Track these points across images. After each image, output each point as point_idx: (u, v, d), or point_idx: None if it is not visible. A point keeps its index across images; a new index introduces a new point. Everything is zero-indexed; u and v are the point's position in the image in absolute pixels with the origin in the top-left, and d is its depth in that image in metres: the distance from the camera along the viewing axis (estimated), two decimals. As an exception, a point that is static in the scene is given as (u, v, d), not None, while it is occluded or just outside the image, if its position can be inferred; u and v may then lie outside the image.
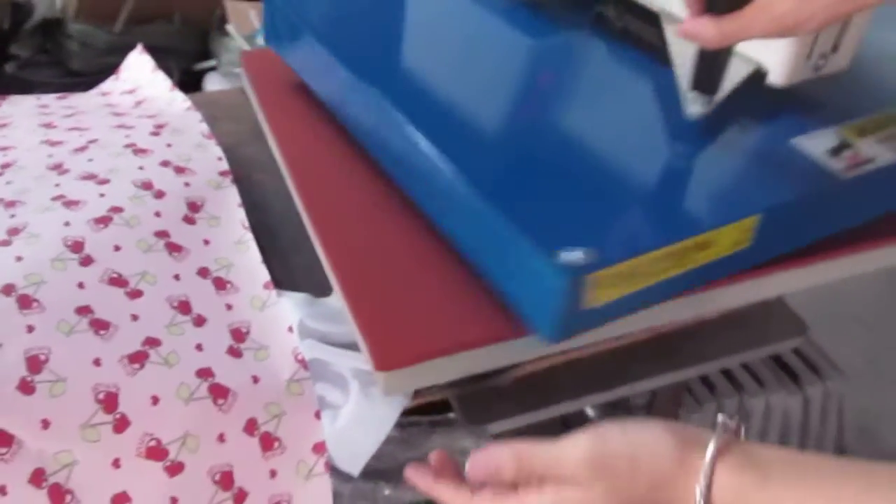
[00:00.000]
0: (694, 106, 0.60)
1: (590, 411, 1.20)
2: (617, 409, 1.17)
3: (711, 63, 0.58)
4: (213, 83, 1.75)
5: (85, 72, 1.72)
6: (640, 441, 0.43)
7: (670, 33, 0.66)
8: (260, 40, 1.77)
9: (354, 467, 0.58)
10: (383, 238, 0.62)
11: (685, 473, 0.42)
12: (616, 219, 0.52)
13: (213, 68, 1.85)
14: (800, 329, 0.71)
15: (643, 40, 0.70)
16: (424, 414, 0.79)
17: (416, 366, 0.52)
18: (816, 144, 0.59)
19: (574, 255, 0.47)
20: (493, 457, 0.46)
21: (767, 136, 0.61)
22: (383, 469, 0.70)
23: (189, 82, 1.77)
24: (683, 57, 0.61)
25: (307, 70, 0.74)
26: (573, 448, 0.44)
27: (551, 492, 0.44)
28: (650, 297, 0.53)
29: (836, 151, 0.58)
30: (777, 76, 0.64)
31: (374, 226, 0.63)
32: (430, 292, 0.58)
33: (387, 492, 0.68)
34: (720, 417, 0.44)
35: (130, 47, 0.95)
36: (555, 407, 0.66)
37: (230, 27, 1.79)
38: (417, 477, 0.50)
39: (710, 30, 0.52)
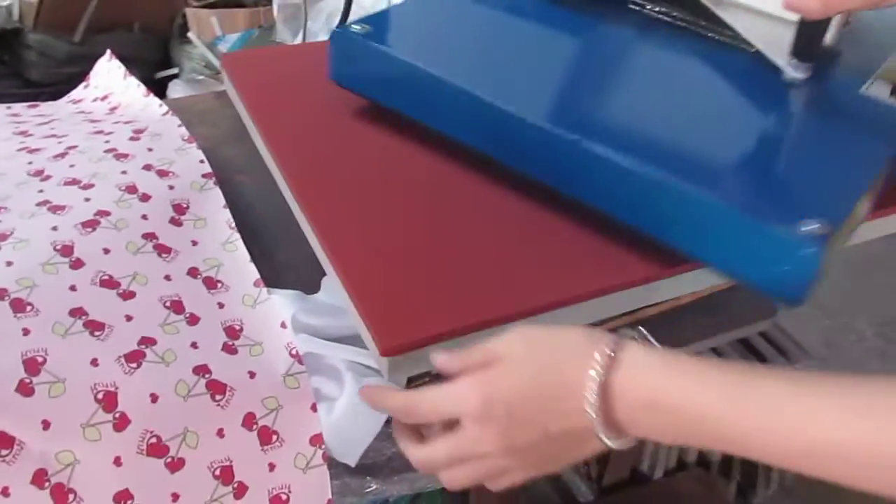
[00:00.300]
0: (795, 72, 0.69)
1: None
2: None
3: (812, 33, 0.66)
4: (176, 91, 1.75)
5: (44, 82, 1.71)
6: (559, 329, 0.49)
7: (730, 17, 0.73)
8: (222, 46, 1.77)
9: (351, 458, 0.59)
10: (380, 225, 0.64)
11: (594, 343, 0.47)
12: (810, 185, 0.58)
13: (175, 76, 1.85)
14: (769, 312, 0.73)
15: (680, 23, 0.77)
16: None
17: (420, 350, 0.53)
18: (878, 92, 0.69)
19: (811, 225, 0.53)
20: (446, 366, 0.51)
21: (844, 91, 0.70)
22: (370, 464, 0.70)
23: (151, 91, 1.76)
24: (756, 35, 0.70)
25: (398, 96, 0.73)
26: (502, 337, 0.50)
27: (481, 373, 0.49)
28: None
29: (894, 92, 0.70)
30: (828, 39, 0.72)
31: (370, 214, 0.65)
32: (430, 277, 0.59)
33: (374, 486, 0.69)
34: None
35: (90, 57, 0.95)
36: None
37: (191, 35, 1.79)
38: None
39: (814, 2, 0.58)
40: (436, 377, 0.56)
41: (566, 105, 0.66)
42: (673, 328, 0.71)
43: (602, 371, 0.45)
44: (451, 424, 0.50)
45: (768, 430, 0.42)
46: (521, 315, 0.57)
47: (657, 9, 0.78)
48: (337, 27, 0.74)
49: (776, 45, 0.69)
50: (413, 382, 0.60)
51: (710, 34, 0.75)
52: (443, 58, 0.69)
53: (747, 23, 0.71)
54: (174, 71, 1.86)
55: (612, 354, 0.46)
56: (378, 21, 0.74)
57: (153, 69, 1.87)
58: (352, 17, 1.48)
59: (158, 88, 1.79)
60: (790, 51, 0.68)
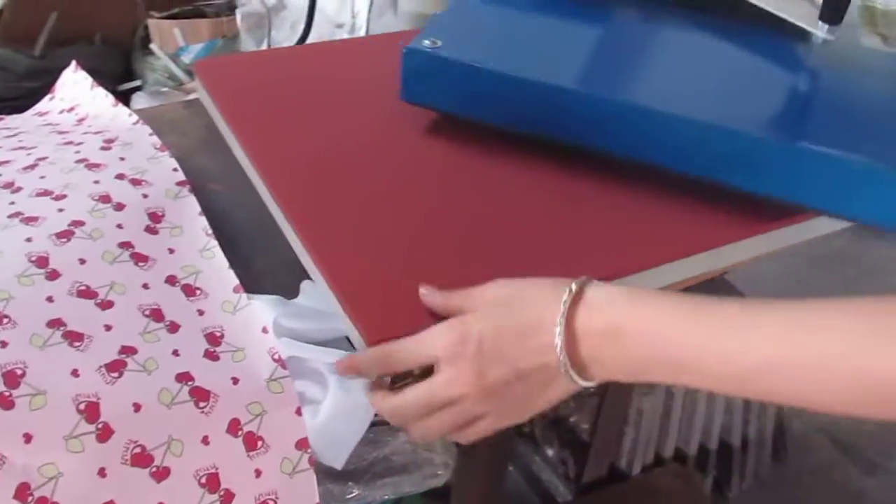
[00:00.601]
0: (824, 34, 0.78)
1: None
2: (568, 402, 1.20)
3: None
4: (139, 103, 1.73)
5: (5, 97, 1.68)
6: (531, 278, 0.53)
7: None
8: (185, 57, 1.76)
9: (338, 460, 0.59)
10: (362, 221, 0.64)
11: (562, 284, 0.50)
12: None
13: (138, 88, 1.83)
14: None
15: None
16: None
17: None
18: (872, 43, 0.81)
19: None
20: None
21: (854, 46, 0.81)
22: (352, 470, 0.70)
23: (115, 103, 1.74)
24: (782, 6, 0.79)
25: (479, 105, 0.73)
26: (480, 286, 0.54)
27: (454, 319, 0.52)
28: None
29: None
30: None
31: (351, 211, 0.65)
32: (415, 269, 0.60)
33: (356, 492, 0.69)
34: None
35: (51, 70, 0.94)
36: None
37: (154, 46, 1.78)
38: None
39: None
40: (419, 376, 0.56)
41: (667, 87, 0.70)
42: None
43: (567, 307, 0.49)
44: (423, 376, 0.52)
45: (724, 349, 0.45)
46: None
47: None
48: (408, 46, 0.72)
49: (803, 13, 0.79)
50: (397, 384, 0.60)
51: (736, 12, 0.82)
52: (518, 59, 0.71)
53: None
54: (137, 83, 1.84)
55: (578, 291, 0.49)
56: (441, 32, 0.73)
57: (116, 82, 1.85)
58: (316, 26, 1.48)
59: (121, 101, 1.77)
60: (819, 16, 0.77)
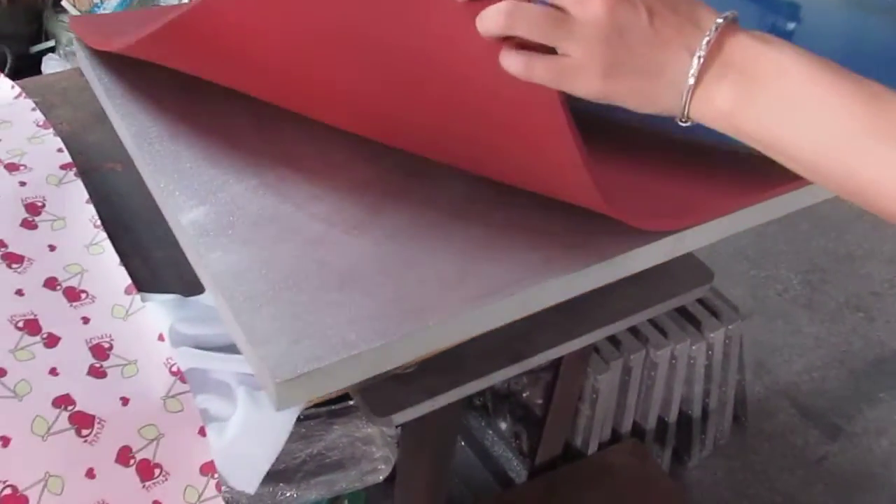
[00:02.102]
0: None
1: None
2: (520, 375, 1.15)
3: None
4: (52, 66, 1.62)
5: None
6: None
7: None
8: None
9: (250, 484, 0.53)
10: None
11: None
12: None
13: (51, 50, 1.71)
14: (707, 278, 0.69)
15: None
16: (321, 404, 0.74)
17: (310, 372, 0.46)
18: None
19: None
20: None
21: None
22: (283, 469, 0.65)
23: (26, 67, 1.63)
24: None
25: None
26: None
27: None
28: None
29: None
30: None
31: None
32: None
33: (288, 493, 0.64)
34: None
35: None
36: (462, 388, 0.62)
37: (66, 3, 1.66)
38: None
39: None
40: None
41: None
42: (609, 301, 0.66)
43: (729, 20, 0.45)
44: None
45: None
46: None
47: None
48: None
49: None
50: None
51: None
52: None
53: None
54: (50, 44, 1.72)
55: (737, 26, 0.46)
56: None
57: (27, 43, 1.73)
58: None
59: (34, 64, 1.65)
60: None
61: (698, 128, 0.51)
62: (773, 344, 1.50)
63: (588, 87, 0.47)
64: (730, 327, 1.16)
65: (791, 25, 0.74)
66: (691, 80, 0.45)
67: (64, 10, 1.66)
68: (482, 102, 0.51)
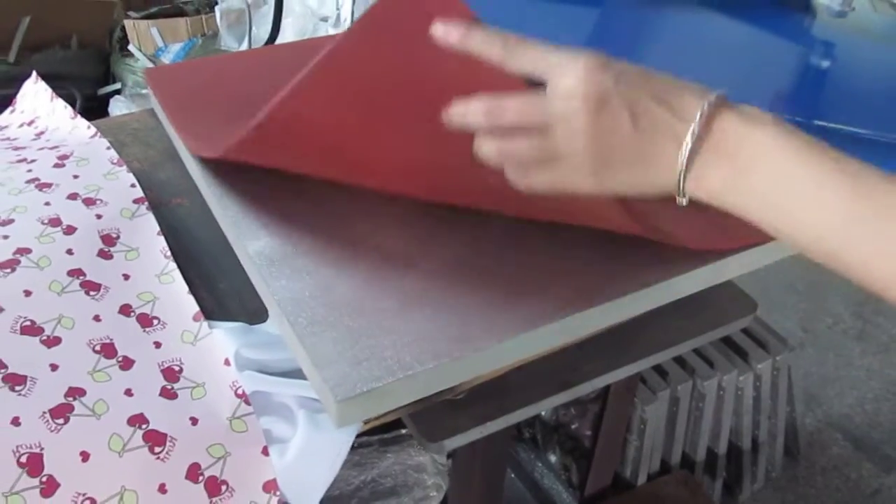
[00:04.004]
0: (843, 7, 0.85)
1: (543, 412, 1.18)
2: (568, 407, 1.15)
3: None
4: (118, 108, 1.68)
5: (-21, 106, 1.64)
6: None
7: None
8: (165, 58, 1.71)
9: (310, 503, 0.54)
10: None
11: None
12: None
13: (117, 91, 1.77)
14: (750, 308, 0.70)
15: None
16: (374, 432, 0.75)
17: (369, 392, 0.48)
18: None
19: None
20: None
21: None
22: (337, 495, 0.66)
23: (94, 108, 1.70)
24: None
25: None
26: None
27: None
28: None
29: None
30: None
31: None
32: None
33: (342, 520, 0.65)
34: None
35: (27, 77, 0.89)
36: (511, 415, 0.63)
37: (132, 47, 1.73)
38: None
39: None
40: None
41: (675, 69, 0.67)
42: (653, 331, 0.68)
43: (714, 104, 0.46)
44: None
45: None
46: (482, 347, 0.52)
47: None
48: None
49: None
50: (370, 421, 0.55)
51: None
52: None
53: None
54: (117, 86, 1.78)
55: (724, 104, 0.47)
56: None
57: (95, 86, 1.80)
58: (299, 19, 1.42)
59: (101, 105, 1.72)
60: None
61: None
62: (824, 376, 1.48)
63: (583, 187, 0.50)
64: (777, 358, 1.15)
65: (825, 64, 0.75)
66: (682, 167, 0.47)
67: (130, 55, 1.73)
68: None
